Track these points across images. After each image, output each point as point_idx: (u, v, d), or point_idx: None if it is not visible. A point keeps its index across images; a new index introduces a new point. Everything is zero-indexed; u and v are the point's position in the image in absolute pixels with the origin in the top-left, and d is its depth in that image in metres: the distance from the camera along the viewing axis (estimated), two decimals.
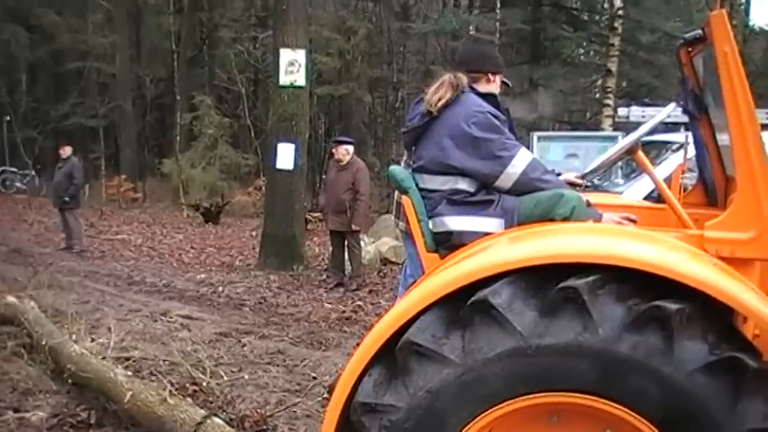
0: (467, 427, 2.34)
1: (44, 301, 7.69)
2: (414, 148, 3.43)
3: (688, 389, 2.14)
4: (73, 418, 4.94)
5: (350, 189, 10.29)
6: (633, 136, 3.24)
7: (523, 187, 3.14)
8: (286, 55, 11.94)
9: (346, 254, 10.77)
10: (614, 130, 15.00)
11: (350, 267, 10.85)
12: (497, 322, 2.27)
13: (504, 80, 3.70)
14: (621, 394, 2.21)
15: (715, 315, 2.23)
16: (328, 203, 10.76)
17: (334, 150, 11.03)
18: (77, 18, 29.35)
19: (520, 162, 3.13)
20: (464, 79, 3.34)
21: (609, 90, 18.11)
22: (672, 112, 3.65)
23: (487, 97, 3.40)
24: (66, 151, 13.91)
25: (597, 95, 22.99)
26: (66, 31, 28.37)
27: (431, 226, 3.20)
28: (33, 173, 26.98)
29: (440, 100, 3.23)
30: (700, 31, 3.24)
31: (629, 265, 2.26)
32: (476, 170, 3.14)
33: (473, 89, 3.38)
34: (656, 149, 7.61)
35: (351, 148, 10.63)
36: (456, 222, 3.14)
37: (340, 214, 10.36)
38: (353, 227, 10.41)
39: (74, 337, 6.12)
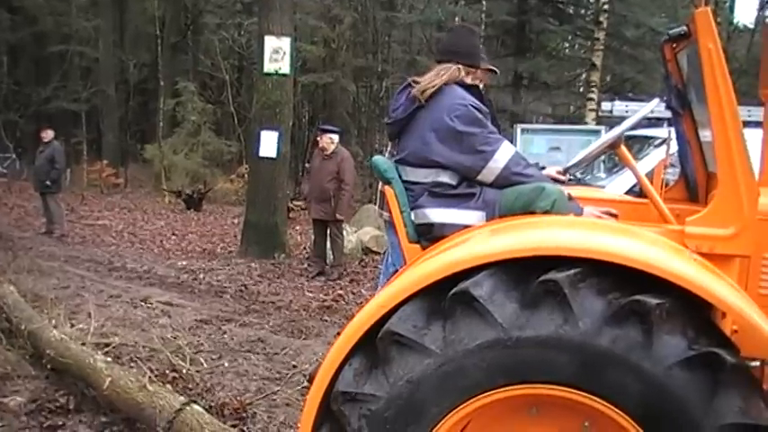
0: (446, 418, 2.34)
1: (24, 285, 7.66)
2: (398, 139, 3.41)
3: (666, 383, 2.15)
4: (51, 404, 4.93)
5: (334, 178, 10.27)
6: (616, 130, 3.25)
7: (505, 181, 3.14)
8: (271, 42, 11.89)
9: (328, 243, 10.76)
10: (597, 124, 15.07)
11: (332, 256, 10.83)
12: (478, 314, 2.28)
13: (492, 68, 3.68)
14: (600, 387, 2.22)
15: (694, 310, 2.24)
16: (312, 192, 10.72)
17: (318, 139, 10.99)
18: (61, 0, 29.02)
19: (502, 156, 3.13)
20: (463, 72, 3.34)
21: (593, 84, 18.20)
22: (655, 107, 3.65)
23: (471, 89, 3.37)
24: (48, 135, 13.79)
25: (581, 89, 23.08)
26: (48, 13, 28.09)
27: (413, 217, 3.21)
28: (14, 156, 26.64)
29: (432, 88, 3.23)
30: (684, 28, 3.26)
31: (609, 260, 2.26)
32: (458, 164, 3.14)
33: (459, 81, 3.36)
34: (638, 144, 7.64)
35: (336, 138, 10.58)
36: (438, 214, 3.14)
37: (323, 203, 10.34)
38: (337, 216, 10.40)
39: (53, 322, 6.10)
